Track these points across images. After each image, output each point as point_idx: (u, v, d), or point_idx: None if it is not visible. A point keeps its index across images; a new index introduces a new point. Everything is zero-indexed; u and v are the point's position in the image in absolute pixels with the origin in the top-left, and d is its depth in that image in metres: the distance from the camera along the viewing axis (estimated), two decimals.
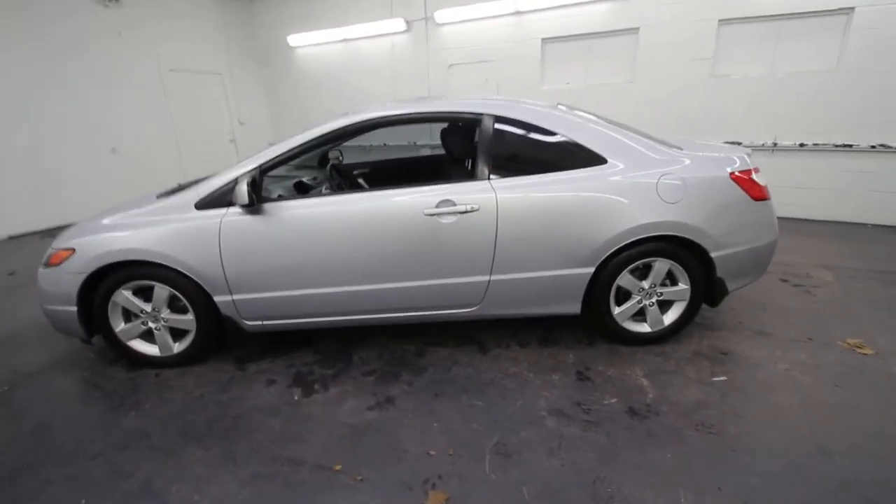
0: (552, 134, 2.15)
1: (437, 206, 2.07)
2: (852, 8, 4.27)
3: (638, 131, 2.32)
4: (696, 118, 5.04)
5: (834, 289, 3.04)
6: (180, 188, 2.36)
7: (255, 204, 1.99)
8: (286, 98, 8.04)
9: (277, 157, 2.13)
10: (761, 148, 4.80)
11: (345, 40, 6.97)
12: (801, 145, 4.70)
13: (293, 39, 7.40)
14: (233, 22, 7.55)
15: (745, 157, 2.26)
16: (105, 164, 6.07)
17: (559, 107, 2.31)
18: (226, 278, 2.12)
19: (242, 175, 2.08)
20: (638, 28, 5.08)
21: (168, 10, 6.60)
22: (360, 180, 3.55)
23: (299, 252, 2.10)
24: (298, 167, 3.29)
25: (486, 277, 2.17)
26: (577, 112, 2.28)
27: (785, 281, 3.20)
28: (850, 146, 4.52)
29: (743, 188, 2.17)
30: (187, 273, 2.11)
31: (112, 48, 6.00)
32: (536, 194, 2.10)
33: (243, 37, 7.71)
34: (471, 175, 2.17)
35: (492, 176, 2.12)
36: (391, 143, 6.61)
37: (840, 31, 4.39)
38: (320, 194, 2.56)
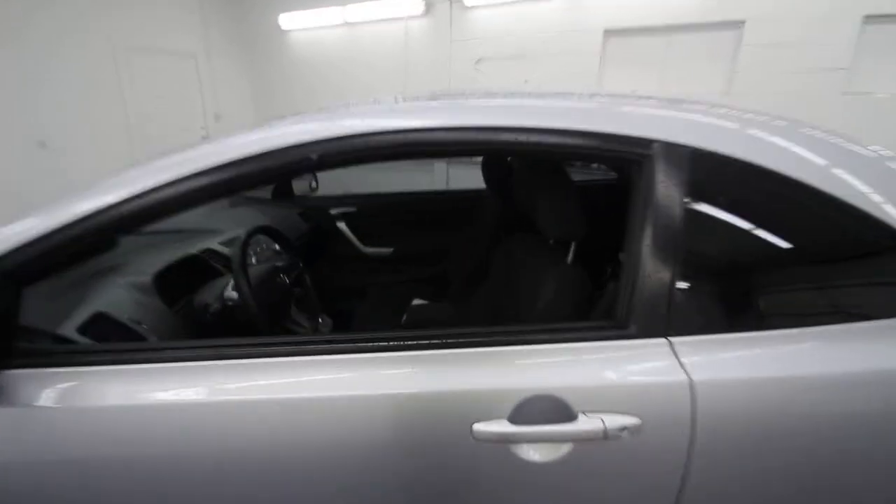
0: (841, 209, 0.76)
1: (517, 420, 0.70)
2: None
3: None
4: None
5: None
6: None
7: None
8: (275, 90, 6.71)
9: (49, 236, 0.74)
10: None
11: (347, 23, 5.62)
12: None
13: (285, 20, 6.07)
14: None
15: None
16: (28, 162, 4.71)
17: (805, 129, 0.90)
18: None
19: None
20: (743, 22, 3.72)
21: None
22: (343, 226, 2.17)
23: None
24: (233, 204, 1.92)
25: None
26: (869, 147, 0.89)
27: None
28: None
29: None
30: None
31: (46, 15, 4.65)
32: (798, 377, 0.72)
33: (225, 14, 6.37)
34: (604, 313, 0.79)
35: (674, 323, 0.74)
36: None
37: None
38: (208, 308, 1.18)
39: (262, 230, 1.36)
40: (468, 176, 2.24)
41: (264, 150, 0.74)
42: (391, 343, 0.75)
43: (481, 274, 1.50)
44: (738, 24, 3.76)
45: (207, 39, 6.22)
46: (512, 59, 4.69)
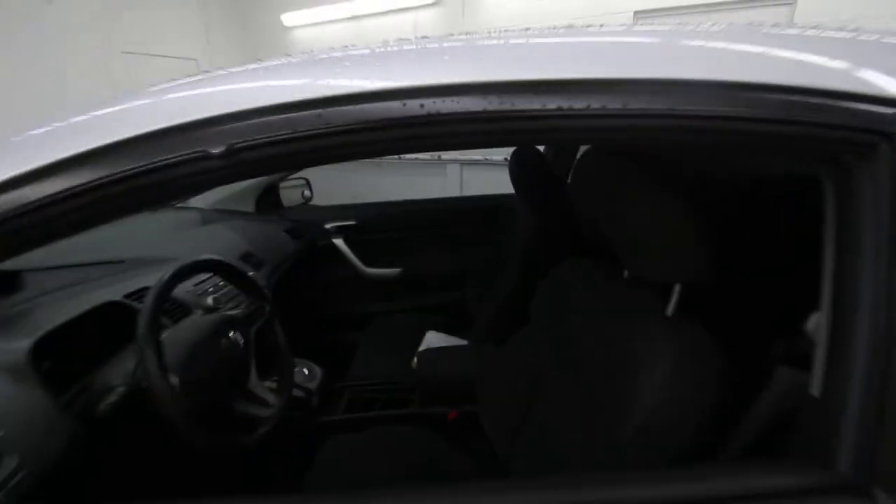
0: None
1: None
2: None
3: None
4: None
5: None
6: None
7: None
8: None
9: None
10: None
11: (353, 17, 5.30)
12: None
13: (288, 18, 5.77)
14: None
15: None
16: None
17: None
18: None
19: None
20: None
21: None
22: (341, 243, 1.81)
23: None
24: (206, 220, 1.58)
25: None
26: None
27: None
28: None
29: None
30: None
31: (38, 18, 4.43)
32: None
33: (225, 14, 6.12)
34: None
35: None
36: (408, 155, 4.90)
37: None
38: (108, 394, 0.83)
39: (202, 266, 0.96)
40: (492, 180, 1.86)
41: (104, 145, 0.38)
42: None
43: (514, 312, 1.12)
44: (788, 2, 3.30)
45: (208, 41, 5.98)
46: None
